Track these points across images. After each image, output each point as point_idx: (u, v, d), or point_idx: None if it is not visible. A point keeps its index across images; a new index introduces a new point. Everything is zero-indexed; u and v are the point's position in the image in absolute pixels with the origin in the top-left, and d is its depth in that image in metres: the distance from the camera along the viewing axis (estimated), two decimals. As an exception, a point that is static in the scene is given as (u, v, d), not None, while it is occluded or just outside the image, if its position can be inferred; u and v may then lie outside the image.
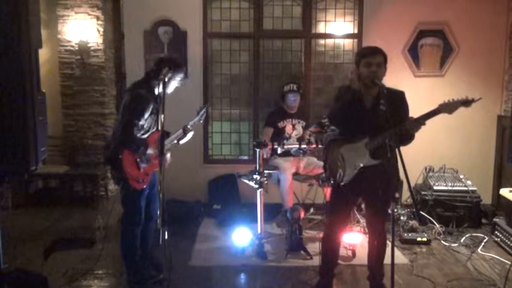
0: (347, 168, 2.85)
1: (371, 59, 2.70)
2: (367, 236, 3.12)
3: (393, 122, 2.57)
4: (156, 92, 3.06)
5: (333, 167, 2.95)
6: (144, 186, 3.07)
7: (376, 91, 2.77)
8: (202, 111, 3.43)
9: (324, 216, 4.61)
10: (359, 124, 2.80)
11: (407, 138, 2.74)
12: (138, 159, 2.99)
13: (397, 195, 2.57)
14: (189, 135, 3.33)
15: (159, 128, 3.10)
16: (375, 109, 2.75)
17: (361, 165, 2.80)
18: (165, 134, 2.56)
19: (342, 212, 3.01)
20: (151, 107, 3.00)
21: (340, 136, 2.98)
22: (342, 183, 2.88)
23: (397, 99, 2.82)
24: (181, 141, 3.33)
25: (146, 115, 2.98)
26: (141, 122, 2.97)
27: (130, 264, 3.18)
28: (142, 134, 3.03)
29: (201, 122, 3.40)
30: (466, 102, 2.61)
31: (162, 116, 2.42)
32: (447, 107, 2.62)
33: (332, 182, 3.01)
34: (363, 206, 4.38)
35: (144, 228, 3.18)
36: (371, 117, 2.75)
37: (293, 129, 4.52)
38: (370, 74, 2.68)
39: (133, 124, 2.94)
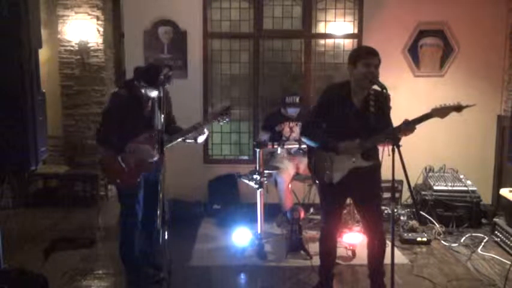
0: (335, 169, 2.84)
1: (370, 60, 2.70)
2: (366, 236, 3.12)
3: (381, 123, 2.63)
4: (143, 91, 2.99)
5: (319, 168, 2.93)
6: (136, 185, 2.99)
7: (366, 93, 2.79)
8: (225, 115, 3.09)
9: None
10: (347, 124, 2.78)
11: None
12: (119, 159, 2.92)
13: (396, 195, 2.58)
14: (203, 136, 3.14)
15: (158, 127, 3.05)
16: (364, 110, 2.75)
17: (352, 166, 2.80)
18: (163, 132, 2.52)
19: (333, 211, 3.02)
20: (126, 105, 2.93)
21: (325, 135, 2.93)
22: (329, 183, 2.87)
23: (383, 99, 2.80)
24: (199, 140, 3.15)
25: (120, 115, 2.92)
26: (115, 122, 2.93)
27: (128, 264, 3.17)
28: (128, 134, 2.95)
29: (221, 124, 3.11)
30: (458, 108, 2.65)
31: (162, 116, 2.41)
32: (439, 112, 2.66)
33: (317, 182, 3.01)
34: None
35: (146, 231, 3.13)
36: (360, 118, 2.75)
37: (291, 131, 4.50)
38: (369, 75, 2.68)
39: (104, 124, 2.94)
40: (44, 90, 2.13)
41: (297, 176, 4.39)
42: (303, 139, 3.04)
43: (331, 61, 5.33)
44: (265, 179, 3.85)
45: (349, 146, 2.75)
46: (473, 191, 4.61)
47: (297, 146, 4.00)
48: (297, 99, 4.42)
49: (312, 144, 2.95)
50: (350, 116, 2.78)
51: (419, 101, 4.87)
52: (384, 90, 2.56)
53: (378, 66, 2.73)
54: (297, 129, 4.52)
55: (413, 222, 4.35)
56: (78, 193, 5.40)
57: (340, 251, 3.81)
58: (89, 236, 4.22)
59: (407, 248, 4.03)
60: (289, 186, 4.29)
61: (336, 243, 3.14)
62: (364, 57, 2.72)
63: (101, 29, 5.35)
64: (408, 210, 4.58)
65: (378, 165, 2.83)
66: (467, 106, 2.65)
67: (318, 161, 2.94)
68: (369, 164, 2.78)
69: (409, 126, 2.64)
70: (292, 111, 4.43)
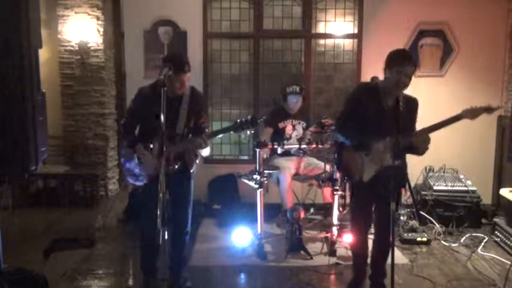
0: (366, 168, 2.86)
1: (404, 68, 2.69)
2: (373, 235, 3.13)
3: (409, 124, 2.68)
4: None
5: (350, 167, 2.95)
6: (141, 185, 2.96)
7: (397, 95, 2.79)
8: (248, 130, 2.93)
9: (323, 217, 4.63)
10: (377, 124, 2.79)
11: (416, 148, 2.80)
12: (137, 156, 2.92)
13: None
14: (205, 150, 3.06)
15: (163, 128, 3.00)
16: (394, 110, 2.74)
17: (382, 166, 2.81)
18: (165, 135, 2.49)
19: (364, 210, 3.04)
20: (142, 100, 2.94)
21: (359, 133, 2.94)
22: (360, 182, 2.90)
23: (413, 105, 2.89)
24: (202, 153, 3.12)
25: (137, 109, 2.97)
26: (132, 116, 3.00)
27: (140, 260, 3.16)
28: (148, 130, 2.91)
29: (243, 136, 3.11)
30: (488, 109, 2.72)
31: (162, 116, 2.41)
32: (470, 113, 2.73)
33: (349, 182, 3.04)
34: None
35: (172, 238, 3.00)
36: (390, 117, 2.74)
37: (293, 129, 4.51)
38: (400, 84, 2.70)
39: (125, 116, 3.03)
40: (44, 90, 2.13)
41: (296, 176, 4.39)
42: (337, 135, 3.07)
43: (331, 61, 5.33)
44: (265, 179, 3.85)
45: (381, 146, 2.78)
46: (473, 191, 4.61)
47: (297, 146, 4.00)
48: (297, 89, 4.44)
49: (345, 140, 2.97)
50: (380, 116, 2.79)
51: (420, 101, 4.87)
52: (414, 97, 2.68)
53: (412, 74, 2.73)
54: (299, 127, 4.54)
55: (413, 222, 4.35)
56: (78, 193, 5.40)
57: (340, 251, 3.83)
58: (89, 236, 4.22)
59: (407, 248, 4.04)
60: (291, 185, 4.29)
61: (367, 239, 3.13)
62: (398, 65, 2.70)
63: (101, 29, 5.35)
64: (408, 210, 4.57)
65: (404, 165, 2.84)
66: (497, 108, 2.74)
67: (349, 160, 2.96)
68: (398, 163, 2.75)
69: (428, 131, 2.72)
70: (293, 100, 4.43)
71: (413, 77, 5.19)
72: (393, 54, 2.79)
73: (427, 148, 2.78)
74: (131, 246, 3.91)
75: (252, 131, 2.96)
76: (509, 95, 5.04)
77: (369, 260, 3.16)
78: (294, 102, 4.45)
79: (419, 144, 2.72)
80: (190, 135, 2.97)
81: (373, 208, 3.11)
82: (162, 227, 2.30)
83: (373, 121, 2.80)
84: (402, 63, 2.70)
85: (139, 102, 2.98)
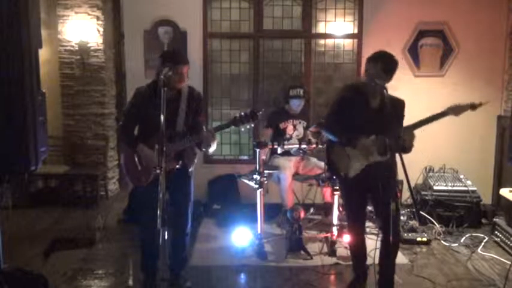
0: (352, 164, 2.89)
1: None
2: (379, 234, 3.15)
3: (395, 126, 2.67)
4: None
5: (337, 164, 2.99)
6: (144, 185, 2.97)
7: (382, 94, 2.82)
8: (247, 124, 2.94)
9: (323, 216, 4.63)
10: (364, 123, 2.83)
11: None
12: (136, 156, 2.94)
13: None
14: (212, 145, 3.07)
15: (173, 127, 2.95)
16: (380, 110, 2.78)
17: (368, 162, 2.84)
18: (165, 135, 2.50)
19: (355, 207, 3.07)
20: (140, 100, 2.94)
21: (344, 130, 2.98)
22: (349, 178, 2.93)
23: (399, 106, 2.92)
24: (207, 149, 3.07)
25: (135, 109, 2.97)
26: (130, 117, 2.99)
27: (141, 261, 3.17)
28: (149, 129, 2.91)
29: (243, 129, 3.03)
30: (473, 106, 2.76)
31: (162, 116, 2.41)
32: (454, 110, 2.78)
33: (336, 178, 3.06)
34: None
35: (172, 239, 3.05)
36: (376, 116, 2.78)
37: (294, 129, 4.51)
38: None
39: (123, 117, 3.02)
40: (44, 90, 2.13)
41: (296, 176, 4.39)
42: (323, 132, 3.14)
43: (331, 61, 5.32)
44: (265, 179, 3.85)
45: (365, 143, 2.81)
46: (473, 191, 4.61)
47: (297, 145, 4.00)
48: (301, 92, 4.44)
49: (331, 137, 3.03)
50: (367, 115, 2.84)
51: (420, 101, 4.87)
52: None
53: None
54: (300, 127, 4.54)
55: (413, 222, 4.35)
56: (78, 193, 5.40)
57: (340, 251, 3.83)
58: (89, 236, 4.22)
59: (407, 248, 4.03)
60: (291, 184, 4.29)
61: (364, 238, 3.16)
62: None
63: (101, 29, 5.34)
64: (408, 210, 4.57)
65: (393, 162, 2.84)
66: (481, 104, 2.76)
67: (336, 157, 3.00)
68: (384, 159, 2.79)
69: (421, 123, 2.74)
70: (296, 103, 4.44)
71: (413, 77, 5.22)
72: (379, 57, 2.87)
73: (412, 145, 2.79)
74: (131, 246, 3.91)
75: (252, 125, 2.96)
76: (509, 95, 5.04)
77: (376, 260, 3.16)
78: (297, 106, 4.46)
79: (405, 141, 2.73)
80: (189, 134, 2.98)
81: (368, 208, 3.13)
82: (162, 227, 2.30)
83: (360, 120, 2.85)
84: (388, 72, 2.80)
85: (137, 103, 2.98)
